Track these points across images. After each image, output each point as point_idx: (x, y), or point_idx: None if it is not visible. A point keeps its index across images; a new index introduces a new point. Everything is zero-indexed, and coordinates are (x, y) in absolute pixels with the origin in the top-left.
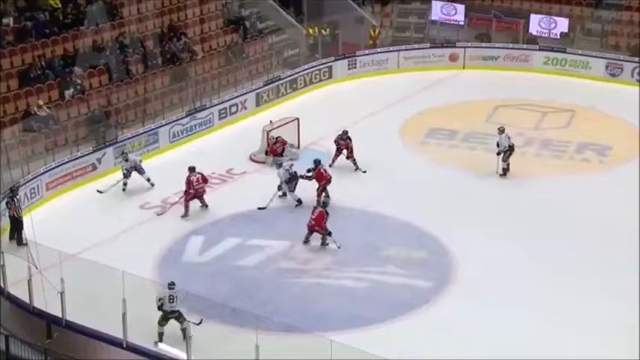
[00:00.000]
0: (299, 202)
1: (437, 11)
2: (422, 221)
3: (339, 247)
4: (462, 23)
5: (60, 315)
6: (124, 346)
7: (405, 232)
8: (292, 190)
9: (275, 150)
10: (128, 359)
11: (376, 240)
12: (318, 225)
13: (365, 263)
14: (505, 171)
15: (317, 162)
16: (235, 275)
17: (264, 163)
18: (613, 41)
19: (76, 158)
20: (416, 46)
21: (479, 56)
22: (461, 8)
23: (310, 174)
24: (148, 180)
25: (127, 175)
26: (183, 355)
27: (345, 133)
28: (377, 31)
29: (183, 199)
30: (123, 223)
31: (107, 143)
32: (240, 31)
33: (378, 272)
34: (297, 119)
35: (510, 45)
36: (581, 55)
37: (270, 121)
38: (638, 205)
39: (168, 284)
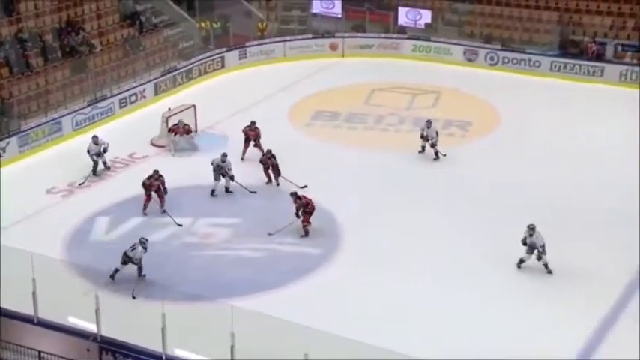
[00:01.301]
0: (212, 192)
1: (317, 5)
2: (313, 195)
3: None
4: (339, 16)
5: None
6: (35, 321)
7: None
8: (216, 179)
9: (176, 131)
10: (40, 333)
11: (274, 213)
12: None
13: (263, 235)
14: (437, 154)
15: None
16: None
17: (164, 147)
18: (468, 30)
19: None
20: (299, 37)
21: (356, 45)
22: (338, 2)
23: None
24: (105, 164)
25: (95, 160)
26: (93, 327)
27: (253, 123)
28: (265, 23)
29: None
30: (30, 208)
31: (11, 133)
32: (136, 25)
33: (275, 242)
34: (194, 106)
35: (383, 35)
36: (443, 42)
37: (169, 108)
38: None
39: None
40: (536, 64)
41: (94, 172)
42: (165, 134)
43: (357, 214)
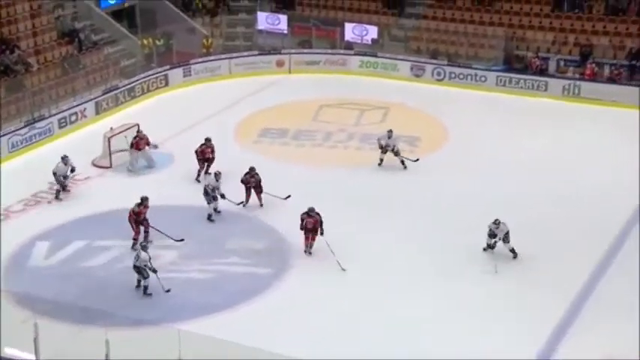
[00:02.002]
0: (210, 217)
1: (262, 21)
2: (262, 214)
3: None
4: (285, 32)
5: None
6: None
7: (247, 225)
8: (212, 202)
9: (138, 145)
10: None
11: (220, 234)
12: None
13: (210, 256)
14: (404, 162)
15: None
16: (83, 276)
17: (106, 168)
18: (415, 46)
19: None
20: (245, 53)
21: (303, 61)
22: (284, 18)
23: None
24: (65, 187)
25: (62, 182)
26: (32, 357)
27: (208, 140)
28: (209, 40)
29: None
30: None
31: None
32: (75, 42)
33: (223, 263)
34: (137, 125)
35: (330, 51)
36: (389, 58)
37: (111, 128)
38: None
39: (140, 243)
40: (482, 78)
41: (57, 195)
42: (106, 154)
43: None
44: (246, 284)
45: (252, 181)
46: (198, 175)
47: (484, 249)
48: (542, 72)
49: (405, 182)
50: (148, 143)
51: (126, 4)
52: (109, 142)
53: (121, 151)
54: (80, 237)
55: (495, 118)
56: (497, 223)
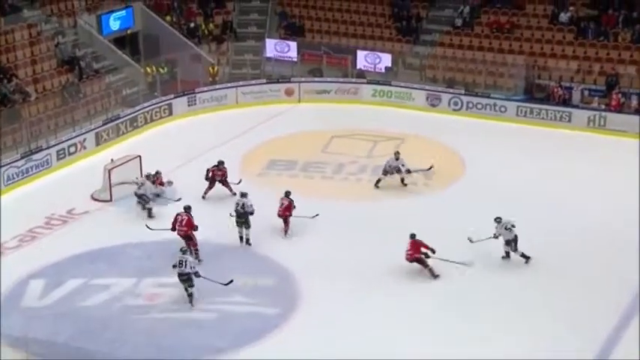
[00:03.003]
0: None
1: (271, 49)
2: (267, 250)
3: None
4: (294, 59)
5: None
6: None
7: (251, 262)
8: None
9: (159, 181)
10: None
11: (223, 271)
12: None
13: (212, 294)
14: (403, 180)
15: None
16: (80, 316)
17: (106, 201)
18: (431, 74)
19: None
20: (252, 82)
21: (313, 90)
22: (293, 45)
23: None
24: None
25: (146, 201)
26: None
27: (221, 163)
28: (215, 68)
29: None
30: None
31: None
32: (76, 71)
33: (226, 302)
34: (139, 157)
35: (341, 79)
36: (404, 87)
37: (112, 160)
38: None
39: (180, 249)
40: (502, 109)
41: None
42: (106, 187)
43: (315, 269)
44: (250, 325)
45: (218, 174)
46: (205, 193)
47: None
48: (566, 102)
49: (420, 216)
50: (162, 183)
51: (129, 31)
52: (110, 174)
53: (122, 183)
54: (77, 275)
55: (515, 150)
56: (498, 220)
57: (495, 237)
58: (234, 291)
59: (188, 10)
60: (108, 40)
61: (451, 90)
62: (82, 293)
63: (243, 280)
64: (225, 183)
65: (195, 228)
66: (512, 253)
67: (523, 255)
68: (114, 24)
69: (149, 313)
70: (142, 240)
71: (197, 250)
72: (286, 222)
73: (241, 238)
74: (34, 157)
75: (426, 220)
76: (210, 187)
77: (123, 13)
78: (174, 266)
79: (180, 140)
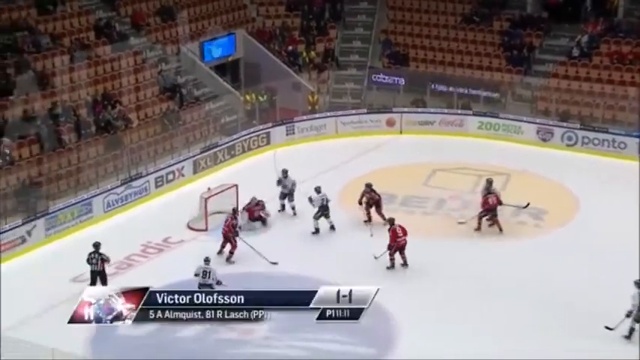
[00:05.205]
0: (332, 227)
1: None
2: (363, 284)
3: None
4: (402, 83)
5: None
6: None
7: None
8: (317, 218)
9: (252, 212)
10: None
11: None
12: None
13: (302, 330)
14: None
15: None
16: (174, 348)
17: (202, 230)
18: (542, 107)
19: (4, 231)
20: (353, 111)
21: (415, 121)
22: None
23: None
24: (293, 208)
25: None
26: None
27: (369, 186)
28: (315, 96)
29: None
30: (52, 298)
31: (38, 215)
32: (176, 98)
33: (317, 340)
34: (236, 185)
35: (445, 110)
36: (513, 120)
37: (209, 188)
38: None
39: (205, 259)
40: (621, 145)
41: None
42: (202, 216)
43: (415, 312)
44: None
45: (374, 197)
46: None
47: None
48: None
49: (526, 261)
50: (263, 207)
51: (230, 58)
52: (206, 203)
53: (218, 213)
54: None
55: (636, 191)
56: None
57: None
58: (327, 328)
59: (290, 37)
60: (209, 68)
61: (565, 124)
62: (177, 324)
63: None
64: (378, 210)
65: (236, 232)
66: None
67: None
68: (216, 51)
69: (244, 347)
70: (246, 271)
71: (232, 253)
72: (402, 252)
73: (317, 230)
74: (134, 183)
75: (534, 264)
76: (368, 213)
77: (225, 40)
78: (196, 275)
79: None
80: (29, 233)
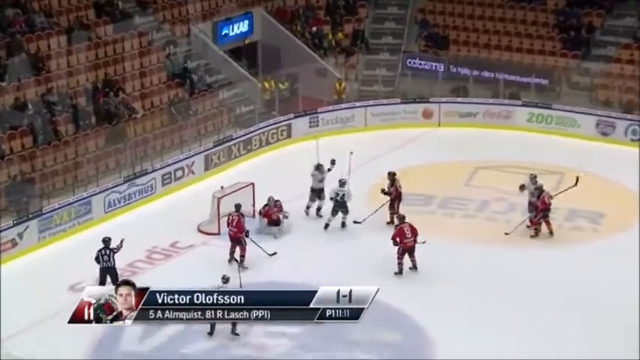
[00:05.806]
0: (343, 224)
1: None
2: (393, 298)
3: None
4: (441, 70)
5: None
6: None
7: (373, 311)
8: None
9: (270, 215)
10: None
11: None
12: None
13: (328, 348)
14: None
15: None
16: None
17: (214, 234)
18: (603, 96)
19: None
20: (384, 101)
21: (455, 112)
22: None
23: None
24: (319, 209)
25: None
26: None
27: (393, 174)
28: (343, 84)
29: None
30: (50, 308)
31: (30, 215)
32: (186, 85)
33: (344, 359)
34: (252, 184)
35: (490, 100)
36: (568, 111)
37: (222, 187)
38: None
39: (223, 278)
40: None
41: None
42: (214, 218)
43: (453, 327)
44: None
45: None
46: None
47: None
48: None
49: (581, 268)
50: (281, 208)
51: (246, 40)
52: (219, 203)
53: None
54: None
55: None
56: None
57: None
58: (355, 345)
59: (314, 17)
60: (223, 51)
61: (629, 116)
62: (184, 338)
63: (365, 332)
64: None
65: (247, 233)
66: None
67: None
68: (231, 33)
69: None
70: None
71: (243, 256)
72: (412, 254)
73: (327, 225)
74: (138, 181)
75: (591, 272)
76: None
77: (241, 20)
78: None
79: (299, 167)
80: (20, 236)
